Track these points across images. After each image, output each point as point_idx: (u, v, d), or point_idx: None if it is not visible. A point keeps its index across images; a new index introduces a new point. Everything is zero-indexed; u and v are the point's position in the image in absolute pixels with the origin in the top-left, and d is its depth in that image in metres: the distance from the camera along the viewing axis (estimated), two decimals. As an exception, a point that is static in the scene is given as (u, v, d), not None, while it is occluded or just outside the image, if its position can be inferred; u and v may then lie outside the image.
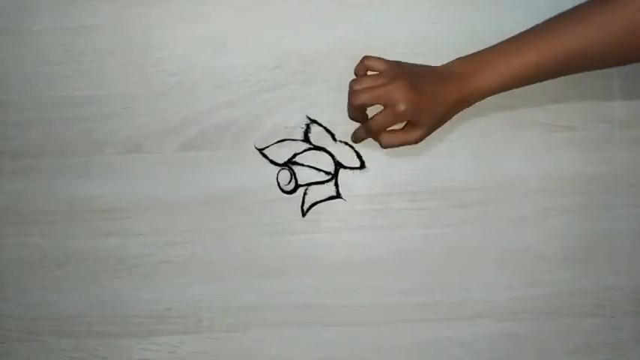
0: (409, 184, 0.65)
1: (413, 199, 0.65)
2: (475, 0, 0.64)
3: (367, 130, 0.50)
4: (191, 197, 0.65)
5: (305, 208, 0.65)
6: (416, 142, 0.50)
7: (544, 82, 0.49)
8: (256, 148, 0.65)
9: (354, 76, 0.63)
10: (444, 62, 0.66)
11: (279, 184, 0.65)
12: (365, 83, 0.48)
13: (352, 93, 0.48)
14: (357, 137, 0.53)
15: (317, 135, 0.65)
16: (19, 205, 0.65)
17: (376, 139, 0.50)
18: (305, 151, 0.65)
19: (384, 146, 0.50)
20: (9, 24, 0.65)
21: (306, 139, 0.65)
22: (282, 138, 0.65)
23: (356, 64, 0.50)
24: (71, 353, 0.65)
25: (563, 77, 0.62)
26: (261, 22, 0.65)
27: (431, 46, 0.64)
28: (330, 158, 0.65)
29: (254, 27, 0.65)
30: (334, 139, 0.65)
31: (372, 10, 0.64)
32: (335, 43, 0.64)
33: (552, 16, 0.48)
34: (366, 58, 0.50)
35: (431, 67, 0.50)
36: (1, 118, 0.65)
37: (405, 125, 0.49)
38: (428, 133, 0.50)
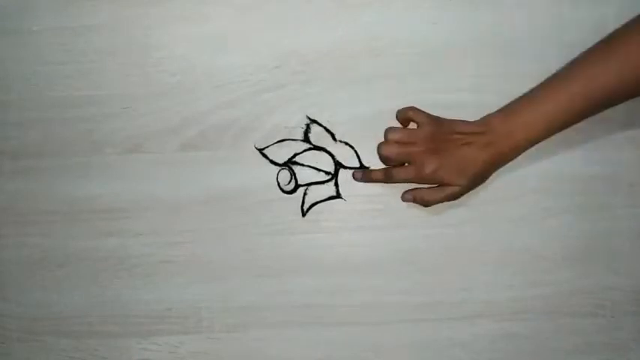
0: (409, 184, 0.64)
1: (413, 199, 0.65)
2: (475, 0, 0.64)
3: (387, 175, 0.52)
4: (191, 197, 0.65)
5: (305, 208, 0.65)
6: (454, 199, 0.51)
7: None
8: (256, 148, 0.65)
9: (354, 75, 0.64)
10: (444, 62, 0.66)
11: (279, 184, 0.65)
12: (398, 135, 0.49)
13: (385, 141, 0.50)
14: (368, 177, 0.54)
15: (317, 135, 0.65)
16: (19, 205, 0.65)
17: (419, 202, 0.52)
18: (305, 151, 0.65)
19: (427, 205, 0.52)
20: (9, 24, 0.65)
21: (306, 139, 0.65)
22: (282, 138, 0.65)
23: (400, 109, 0.52)
24: (71, 353, 0.65)
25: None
26: (261, 22, 0.65)
27: (431, 46, 0.64)
28: (330, 158, 0.65)
29: (254, 27, 0.65)
30: (334, 139, 0.65)
31: (372, 10, 0.64)
32: (335, 43, 0.64)
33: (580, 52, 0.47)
34: (411, 109, 0.51)
35: (469, 126, 0.49)
36: (1, 118, 0.65)
37: (440, 185, 0.50)
38: (466, 191, 0.51)
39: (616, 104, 0.48)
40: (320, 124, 0.64)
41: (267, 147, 0.65)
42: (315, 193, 0.65)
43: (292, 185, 0.65)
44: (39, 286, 0.65)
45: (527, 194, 0.65)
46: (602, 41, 0.47)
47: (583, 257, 0.65)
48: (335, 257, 0.65)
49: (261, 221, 0.65)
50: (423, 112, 0.51)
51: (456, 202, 0.64)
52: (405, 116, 0.51)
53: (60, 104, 0.65)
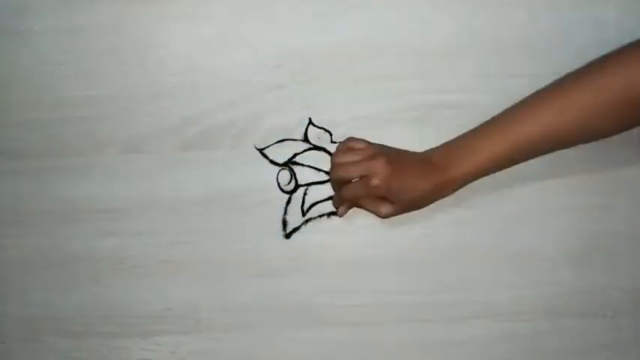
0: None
1: (413, 199, 0.65)
2: (475, 0, 0.64)
3: (339, 197, 0.52)
4: (191, 197, 0.65)
5: (305, 208, 0.65)
6: (384, 216, 0.51)
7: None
8: (256, 148, 0.65)
9: (354, 75, 0.64)
10: (444, 62, 0.66)
11: (279, 184, 0.65)
12: (345, 158, 0.50)
13: (334, 166, 0.51)
14: (336, 207, 0.55)
15: (317, 135, 0.65)
16: (19, 205, 0.65)
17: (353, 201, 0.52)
18: (305, 151, 0.65)
19: (343, 200, 0.52)
20: (9, 24, 0.65)
21: (306, 139, 0.65)
22: (282, 138, 0.65)
23: (340, 144, 0.53)
24: (71, 353, 0.65)
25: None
26: (261, 22, 0.65)
27: (431, 46, 0.64)
28: (330, 158, 0.64)
29: (254, 27, 0.65)
30: (332, 141, 0.65)
31: (372, 10, 0.64)
32: (335, 43, 0.64)
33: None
34: (349, 138, 0.52)
35: (413, 152, 0.51)
36: (1, 118, 0.65)
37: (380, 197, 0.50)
38: (399, 212, 0.51)
39: (558, 149, 0.50)
40: (317, 126, 0.64)
41: (267, 147, 0.65)
42: (315, 193, 0.65)
43: (292, 185, 0.65)
44: (39, 286, 0.65)
45: (527, 194, 0.65)
46: (553, 86, 0.48)
47: (583, 257, 0.65)
48: (335, 257, 0.65)
49: (261, 221, 0.65)
50: (362, 139, 0.52)
51: (456, 202, 0.65)
52: (345, 146, 0.52)
53: (60, 104, 0.65)
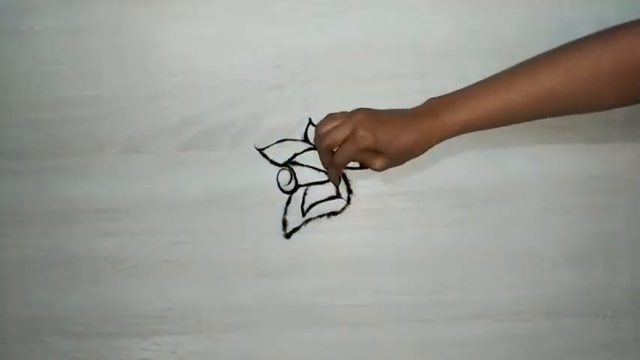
0: (409, 184, 0.65)
1: (413, 199, 0.65)
2: (475, 0, 0.64)
3: (334, 167, 0.53)
4: (191, 197, 0.65)
5: (305, 208, 0.65)
6: (379, 168, 0.51)
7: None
8: (256, 148, 0.65)
9: (354, 75, 0.64)
10: (444, 62, 0.66)
11: (279, 184, 0.65)
12: (328, 126, 0.51)
13: (319, 138, 0.52)
14: (333, 179, 0.59)
15: (317, 135, 0.65)
16: (19, 205, 0.65)
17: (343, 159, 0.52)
18: (305, 151, 0.65)
19: (339, 167, 0.53)
20: (9, 24, 0.65)
21: (306, 139, 0.65)
22: (282, 138, 0.65)
23: (319, 123, 0.53)
24: (71, 353, 0.65)
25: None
26: (261, 22, 0.65)
27: (431, 46, 0.64)
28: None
29: (254, 27, 0.65)
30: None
31: (372, 10, 0.64)
32: (335, 44, 0.64)
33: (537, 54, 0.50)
34: (327, 115, 0.54)
35: (399, 109, 0.52)
36: (1, 118, 0.65)
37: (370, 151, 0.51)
38: (392, 164, 0.51)
39: (553, 115, 0.50)
40: (316, 126, 0.64)
41: (267, 147, 0.65)
42: (315, 193, 0.65)
43: (292, 185, 0.65)
44: (39, 286, 0.65)
45: (527, 194, 0.65)
46: (553, 50, 0.48)
47: (583, 257, 0.65)
48: (335, 257, 0.65)
49: (261, 221, 0.65)
50: (342, 111, 0.53)
51: (456, 202, 0.65)
52: (326, 119, 0.53)
53: (60, 104, 0.65)
